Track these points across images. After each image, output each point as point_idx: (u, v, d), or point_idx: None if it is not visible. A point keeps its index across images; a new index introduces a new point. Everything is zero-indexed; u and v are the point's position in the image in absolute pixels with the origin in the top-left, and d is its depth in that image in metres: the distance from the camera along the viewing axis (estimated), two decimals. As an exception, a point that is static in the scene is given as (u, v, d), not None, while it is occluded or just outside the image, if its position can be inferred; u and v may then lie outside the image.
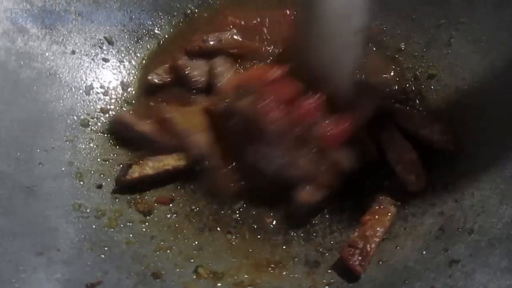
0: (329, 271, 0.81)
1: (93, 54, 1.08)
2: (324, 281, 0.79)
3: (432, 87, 1.04)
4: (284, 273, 0.82)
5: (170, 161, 0.90)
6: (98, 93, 1.05)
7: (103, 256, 0.79)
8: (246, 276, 0.81)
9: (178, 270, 0.81)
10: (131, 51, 1.13)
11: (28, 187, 0.83)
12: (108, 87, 1.06)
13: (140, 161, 0.90)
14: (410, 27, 1.11)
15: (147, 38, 1.16)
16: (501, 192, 0.80)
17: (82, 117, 1.00)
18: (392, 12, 1.14)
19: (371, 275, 0.78)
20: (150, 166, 0.89)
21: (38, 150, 0.90)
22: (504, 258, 0.70)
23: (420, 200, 0.88)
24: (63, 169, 0.90)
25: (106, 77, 1.08)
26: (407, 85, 1.06)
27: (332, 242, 0.86)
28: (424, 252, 0.79)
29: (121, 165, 0.91)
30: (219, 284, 0.80)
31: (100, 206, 0.88)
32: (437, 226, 0.82)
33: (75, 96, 1.01)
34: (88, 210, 0.87)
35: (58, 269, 0.73)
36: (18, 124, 0.90)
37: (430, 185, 0.89)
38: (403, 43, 1.11)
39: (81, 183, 0.91)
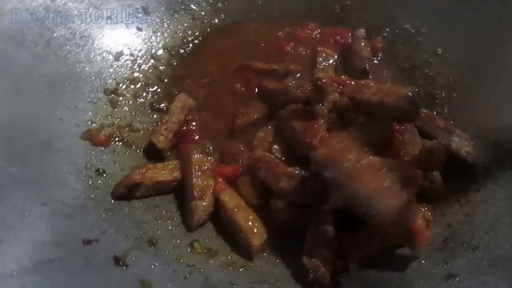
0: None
1: (128, 22, 1.10)
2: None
3: (464, 96, 1.00)
4: (277, 260, 0.82)
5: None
6: (127, 60, 1.07)
7: (104, 216, 0.81)
8: (239, 258, 0.81)
9: (174, 241, 0.83)
10: (165, 24, 1.15)
11: (45, 141, 0.86)
12: (137, 56, 1.09)
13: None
14: (451, 32, 1.07)
15: (182, 13, 1.17)
16: (515, 213, 0.76)
17: (109, 81, 1.03)
18: (433, 14, 1.10)
19: (364, 274, 0.76)
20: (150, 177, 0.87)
21: (61, 108, 0.93)
22: (504, 281, 0.66)
23: (430, 209, 0.85)
24: (80, 128, 0.93)
25: (137, 46, 1.10)
26: (438, 91, 1.02)
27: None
28: (423, 262, 0.76)
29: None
30: (211, 261, 0.80)
31: (112, 169, 0.90)
32: (442, 237, 0.79)
33: (104, 61, 1.04)
34: (98, 171, 0.89)
35: (60, 222, 0.76)
36: (46, 79, 0.93)
37: (444, 197, 0.86)
38: (440, 47, 1.07)
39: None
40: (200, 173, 0.85)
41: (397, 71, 1.08)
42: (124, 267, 0.74)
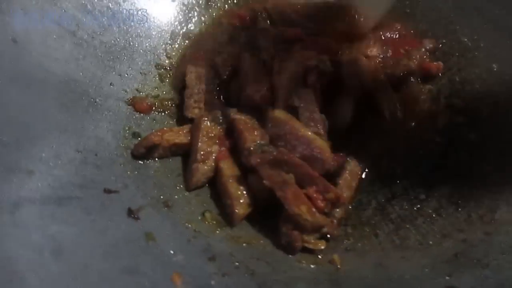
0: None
1: (189, 7, 1.18)
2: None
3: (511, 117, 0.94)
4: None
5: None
6: (182, 39, 1.14)
7: (129, 173, 0.88)
8: (245, 233, 0.83)
9: (188, 208, 0.87)
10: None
11: (93, 99, 0.94)
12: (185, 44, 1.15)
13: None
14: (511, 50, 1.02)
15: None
16: (539, 239, 0.70)
17: (161, 57, 1.10)
18: (494, 29, 1.05)
19: (363, 273, 0.75)
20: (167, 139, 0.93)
21: (114, 73, 1.01)
22: (506, 302, 0.62)
23: (449, 222, 0.81)
24: (128, 94, 1.01)
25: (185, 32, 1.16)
26: (483, 109, 0.98)
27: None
28: (426, 270, 0.73)
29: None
30: (217, 232, 0.83)
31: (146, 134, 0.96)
32: (454, 251, 0.76)
33: (161, 38, 1.12)
34: (134, 135, 0.96)
35: (88, 169, 0.83)
36: (105, 47, 1.03)
37: (465, 212, 0.82)
38: (496, 64, 1.02)
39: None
40: (206, 139, 0.90)
41: (446, 84, 1.04)
42: (135, 219, 0.79)
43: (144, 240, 0.75)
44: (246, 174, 0.87)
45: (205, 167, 0.89)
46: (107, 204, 0.79)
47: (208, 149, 0.90)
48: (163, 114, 1.02)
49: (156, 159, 0.93)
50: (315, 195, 0.81)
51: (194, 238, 0.80)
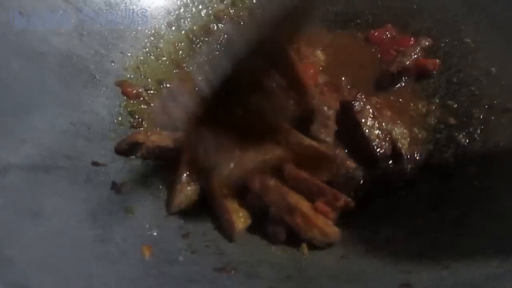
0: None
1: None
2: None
3: (503, 121, 0.93)
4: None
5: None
6: (179, 30, 1.16)
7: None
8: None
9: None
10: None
11: (93, 74, 0.99)
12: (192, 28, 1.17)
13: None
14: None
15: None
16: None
17: (162, 44, 1.13)
18: (499, 32, 1.03)
19: (327, 263, 0.78)
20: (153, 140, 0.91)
21: (116, 51, 1.06)
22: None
23: (422, 221, 0.83)
24: (127, 72, 1.05)
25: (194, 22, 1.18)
26: (477, 111, 0.97)
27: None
28: (388, 266, 0.75)
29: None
30: (196, 211, 0.87)
31: (143, 115, 1.00)
32: (419, 250, 0.77)
33: (164, 21, 1.15)
34: (131, 113, 1.00)
35: (79, 141, 0.88)
36: (110, 25, 1.07)
37: (439, 213, 0.83)
38: (495, 67, 1.00)
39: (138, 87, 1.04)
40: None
41: (443, 84, 1.04)
42: (117, 193, 0.83)
43: (122, 212, 0.80)
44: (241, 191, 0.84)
45: (189, 188, 0.84)
46: (93, 176, 0.83)
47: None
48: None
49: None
50: (325, 208, 0.81)
51: (171, 215, 0.84)
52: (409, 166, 0.92)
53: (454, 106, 1.00)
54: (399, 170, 0.91)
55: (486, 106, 0.97)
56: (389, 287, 0.70)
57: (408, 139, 0.93)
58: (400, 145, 0.90)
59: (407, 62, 1.03)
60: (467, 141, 0.94)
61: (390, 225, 0.84)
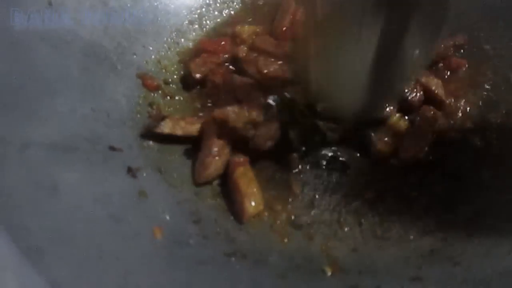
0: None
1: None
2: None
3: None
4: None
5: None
6: (200, 28, 1.18)
7: (135, 135, 0.94)
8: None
9: (186, 175, 0.91)
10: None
11: (114, 64, 1.01)
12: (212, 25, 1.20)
13: (175, 118, 0.94)
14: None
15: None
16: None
17: (183, 40, 1.15)
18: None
19: (336, 254, 0.77)
20: (182, 127, 0.94)
21: (138, 44, 1.08)
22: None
23: (434, 221, 0.82)
24: (148, 65, 1.07)
25: (215, 21, 1.20)
26: (494, 116, 0.96)
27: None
28: (399, 261, 0.75)
29: (154, 115, 0.98)
30: (209, 200, 0.88)
31: (158, 104, 1.02)
32: (431, 247, 0.77)
33: (186, 19, 1.17)
34: (150, 104, 1.02)
35: (98, 126, 0.89)
36: (134, 19, 1.09)
37: (452, 213, 0.82)
38: (519, 72, 1.00)
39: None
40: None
41: (459, 87, 1.04)
42: (133, 177, 0.85)
43: (136, 196, 0.81)
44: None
45: (219, 163, 0.88)
46: (109, 160, 0.85)
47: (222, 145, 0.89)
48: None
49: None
50: None
51: (184, 201, 0.85)
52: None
53: (471, 110, 0.99)
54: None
55: (504, 112, 0.97)
56: (400, 280, 0.69)
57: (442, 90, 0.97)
58: (437, 92, 0.95)
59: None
60: (483, 145, 0.93)
61: (402, 223, 0.84)
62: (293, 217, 0.87)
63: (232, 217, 0.85)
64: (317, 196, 0.90)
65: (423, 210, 0.85)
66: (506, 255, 0.69)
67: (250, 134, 0.89)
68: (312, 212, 0.88)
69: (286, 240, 0.82)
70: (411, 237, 0.80)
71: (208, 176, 0.89)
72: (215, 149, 0.89)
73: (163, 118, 0.94)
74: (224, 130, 0.89)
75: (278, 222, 0.85)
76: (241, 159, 0.89)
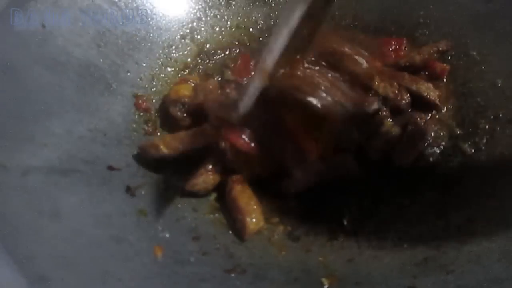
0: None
1: (210, 5, 1.24)
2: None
3: (507, 132, 0.95)
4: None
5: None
6: (192, 42, 1.20)
7: (135, 153, 0.95)
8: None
9: (183, 190, 0.93)
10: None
11: (109, 84, 1.03)
12: (205, 41, 1.21)
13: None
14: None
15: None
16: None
17: (175, 55, 1.17)
18: (505, 45, 1.05)
19: (333, 266, 0.79)
20: (173, 148, 0.94)
21: (131, 61, 1.10)
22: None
23: (427, 228, 0.84)
24: (142, 82, 1.09)
25: (207, 35, 1.22)
26: (483, 121, 0.99)
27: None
28: (394, 270, 0.77)
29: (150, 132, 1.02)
30: (206, 215, 0.89)
31: (154, 121, 1.04)
32: (424, 255, 0.78)
33: (177, 34, 1.19)
34: (146, 122, 1.04)
35: (95, 147, 0.91)
36: (127, 36, 1.11)
37: (445, 220, 0.85)
38: (501, 79, 1.02)
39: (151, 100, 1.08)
40: None
41: (446, 93, 1.06)
42: (131, 196, 0.86)
43: (135, 215, 0.83)
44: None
45: (210, 176, 0.91)
46: (108, 180, 0.87)
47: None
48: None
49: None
50: None
51: (183, 218, 0.87)
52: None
53: (460, 116, 1.02)
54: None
55: (491, 117, 0.98)
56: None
57: (437, 92, 1.00)
58: (429, 96, 0.98)
59: (418, 59, 1.05)
60: (473, 150, 0.96)
61: (396, 231, 0.86)
62: (290, 229, 0.89)
63: (230, 232, 0.87)
64: (313, 207, 0.91)
65: (416, 218, 0.87)
66: (496, 261, 0.71)
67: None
68: (309, 223, 0.89)
69: (284, 253, 0.84)
70: (405, 245, 0.82)
71: (194, 186, 0.90)
72: (210, 166, 0.91)
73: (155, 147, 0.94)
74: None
75: (276, 235, 0.87)
76: (238, 177, 0.90)
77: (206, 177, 0.91)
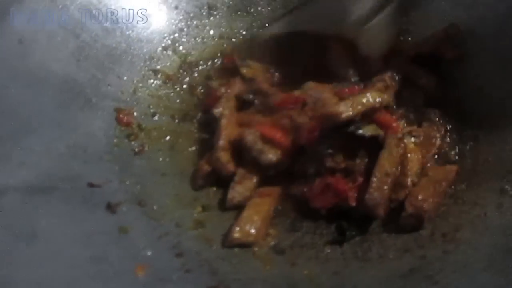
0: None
1: (192, 15, 1.23)
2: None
3: (491, 137, 0.95)
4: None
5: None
6: (174, 54, 1.18)
7: (114, 169, 0.94)
8: (219, 236, 0.88)
9: (166, 207, 0.92)
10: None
11: (89, 98, 1.01)
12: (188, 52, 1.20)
13: None
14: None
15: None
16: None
17: (157, 67, 1.15)
18: (485, 51, 1.05)
19: (319, 279, 0.78)
20: None
21: (112, 75, 1.08)
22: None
23: (413, 238, 0.84)
24: (124, 96, 1.07)
25: (189, 46, 1.21)
26: (466, 129, 0.98)
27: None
28: (380, 282, 0.76)
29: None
30: (190, 231, 0.88)
31: (136, 135, 1.02)
32: (410, 266, 0.78)
33: (159, 45, 1.17)
34: (128, 136, 1.02)
35: (76, 164, 0.90)
36: (107, 49, 1.09)
37: (430, 229, 0.84)
38: (483, 83, 1.02)
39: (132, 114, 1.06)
40: None
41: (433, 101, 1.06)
42: (112, 213, 0.85)
43: (117, 233, 0.81)
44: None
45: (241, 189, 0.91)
46: (88, 197, 0.85)
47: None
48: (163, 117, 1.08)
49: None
50: None
51: (165, 235, 0.85)
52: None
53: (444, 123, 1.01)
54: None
55: (475, 123, 0.98)
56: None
57: None
58: None
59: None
60: (457, 158, 0.96)
61: (381, 243, 0.85)
62: (275, 242, 0.87)
63: (214, 247, 0.86)
64: (297, 219, 0.91)
65: (401, 228, 0.86)
66: (482, 271, 0.71)
67: None
68: (294, 236, 0.88)
69: (268, 267, 0.83)
70: (391, 256, 0.81)
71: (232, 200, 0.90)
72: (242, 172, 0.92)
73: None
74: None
75: (261, 248, 0.86)
76: (267, 190, 0.91)
77: (243, 185, 0.91)
